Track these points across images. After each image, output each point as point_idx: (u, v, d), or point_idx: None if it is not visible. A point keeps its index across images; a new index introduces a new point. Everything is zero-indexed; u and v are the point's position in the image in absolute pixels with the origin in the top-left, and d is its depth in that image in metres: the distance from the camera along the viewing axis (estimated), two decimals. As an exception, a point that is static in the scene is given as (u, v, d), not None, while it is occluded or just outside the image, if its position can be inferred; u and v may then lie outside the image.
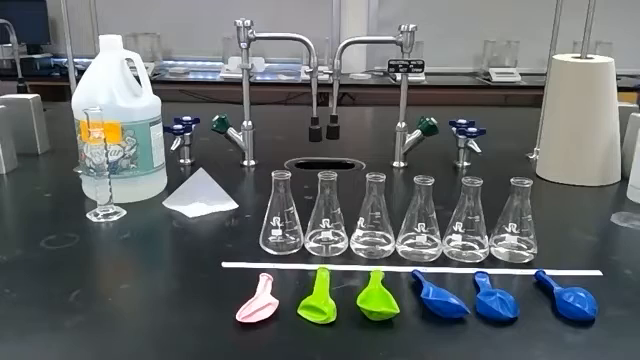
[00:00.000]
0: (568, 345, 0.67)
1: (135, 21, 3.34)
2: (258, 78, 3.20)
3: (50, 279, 0.80)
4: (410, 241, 0.86)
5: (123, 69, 1.06)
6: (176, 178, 1.15)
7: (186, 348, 0.65)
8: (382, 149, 1.38)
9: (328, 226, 0.87)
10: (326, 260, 0.86)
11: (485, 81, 3.32)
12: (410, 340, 0.68)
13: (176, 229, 0.98)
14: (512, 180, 0.85)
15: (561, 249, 0.93)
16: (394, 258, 0.86)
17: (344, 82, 2.83)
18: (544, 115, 1.31)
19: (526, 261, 0.86)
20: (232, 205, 1.06)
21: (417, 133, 1.30)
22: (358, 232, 0.88)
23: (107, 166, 0.99)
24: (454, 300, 0.71)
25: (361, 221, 0.87)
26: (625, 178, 1.18)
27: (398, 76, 1.32)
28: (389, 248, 0.87)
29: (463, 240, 0.86)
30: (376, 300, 0.71)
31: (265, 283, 0.76)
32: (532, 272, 0.81)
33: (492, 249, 0.87)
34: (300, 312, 0.71)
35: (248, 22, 1.22)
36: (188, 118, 1.32)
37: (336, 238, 0.88)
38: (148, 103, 1.07)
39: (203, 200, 1.05)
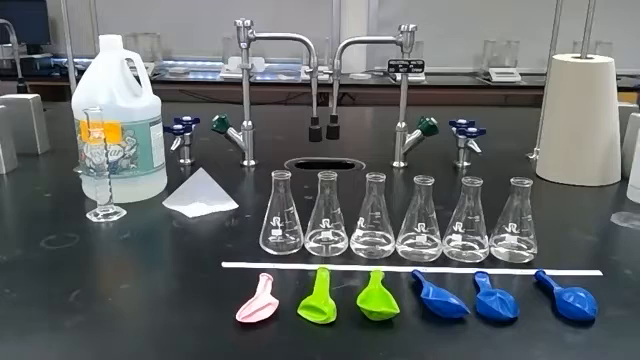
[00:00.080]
0: (568, 345, 0.67)
1: (135, 21, 3.34)
2: (258, 78, 3.20)
3: (50, 279, 0.80)
4: (410, 241, 0.86)
5: (123, 69, 1.06)
6: (176, 178, 1.15)
7: (186, 348, 0.65)
8: (382, 149, 1.38)
9: (328, 226, 0.87)
10: (326, 260, 0.86)
11: (485, 81, 3.32)
12: (410, 340, 0.68)
13: (176, 229, 0.98)
14: (512, 180, 0.85)
15: (561, 249, 0.93)
16: (394, 258, 0.86)
17: (344, 82, 2.83)
18: (544, 115, 1.31)
19: (526, 261, 0.86)
20: (232, 205, 1.06)
21: (417, 133, 1.30)
22: (358, 232, 0.88)
23: (107, 166, 0.99)
24: (454, 300, 0.71)
25: (361, 221, 0.87)
26: (625, 178, 1.18)
27: (398, 76, 1.32)
28: (389, 248, 0.87)
29: (463, 240, 0.86)
30: (376, 300, 0.71)
31: (265, 283, 0.76)
32: (532, 272, 0.81)
33: (492, 249, 0.87)
34: (300, 312, 0.71)
35: (248, 22, 1.22)
36: (188, 118, 1.32)
37: (336, 238, 0.88)
38: (148, 103, 1.07)
39: (203, 200, 1.05)
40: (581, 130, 1.20)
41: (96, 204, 1.01)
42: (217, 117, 1.28)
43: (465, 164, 1.33)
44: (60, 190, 1.17)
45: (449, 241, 0.87)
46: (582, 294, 0.72)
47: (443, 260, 0.86)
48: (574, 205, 1.15)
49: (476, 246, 0.86)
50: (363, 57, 3.54)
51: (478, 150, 1.29)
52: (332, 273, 0.80)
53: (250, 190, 1.25)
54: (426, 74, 3.07)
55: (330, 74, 1.24)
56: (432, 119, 1.28)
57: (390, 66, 1.26)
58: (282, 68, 3.41)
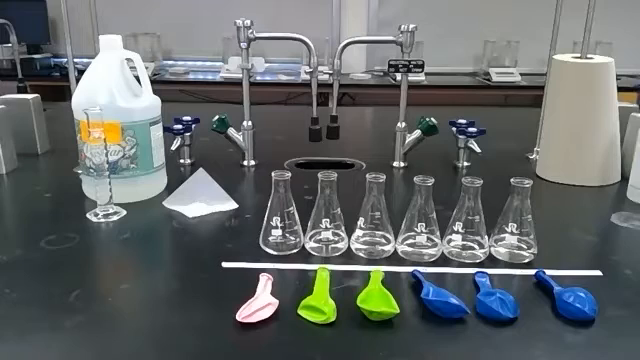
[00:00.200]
0: (568, 345, 0.67)
1: (135, 21, 3.34)
2: (258, 78, 3.20)
3: (50, 279, 0.80)
4: (410, 241, 0.86)
5: (123, 69, 1.06)
6: (176, 178, 1.15)
7: (186, 348, 0.65)
8: (382, 149, 1.38)
9: (328, 226, 0.87)
10: (326, 260, 0.86)
11: (485, 81, 3.32)
12: (410, 340, 0.68)
13: (176, 229, 0.98)
14: (512, 180, 0.85)
15: (561, 249, 0.93)
16: (394, 258, 0.86)
17: (344, 82, 2.83)
18: (544, 115, 1.31)
19: (526, 261, 0.86)
20: (232, 205, 1.06)
21: (417, 133, 1.30)
22: (358, 232, 0.88)
23: (107, 166, 0.99)
24: (454, 300, 0.71)
25: (361, 221, 0.87)
26: (625, 178, 1.18)
27: (398, 76, 1.32)
28: (389, 248, 0.87)
29: (463, 240, 0.86)
30: (376, 300, 0.71)
31: (265, 283, 0.76)
32: (532, 272, 0.81)
33: (492, 249, 0.87)
34: (300, 312, 0.71)
35: (248, 22, 1.22)
36: (188, 118, 1.32)
37: (336, 238, 0.88)
38: (148, 103, 1.07)
39: (203, 200, 1.05)
40: (581, 130, 1.20)
41: (96, 204, 1.01)
42: (217, 117, 1.28)
43: (465, 164, 1.33)
44: (60, 190, 1.17)
45: (449, 241, 0.87)
46: (582, 294, 0.72)
47: (443, 260, 0.86)
48: (574, 205, 1.15)
49: (476, 246, 0.86)
50: (363, 57, 3.54)
51: (478, 150, 1.29)
52: (332, 273, 0.80)
53: (250, 190, 1.25)
54: (426, 74, 3.07)
55: (330, 74, 1.24)
56: (432, 119, 1.28)
57: (390, 66, 1.26)
58: (282, 68, 3.41)
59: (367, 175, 0.85)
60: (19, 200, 1.14)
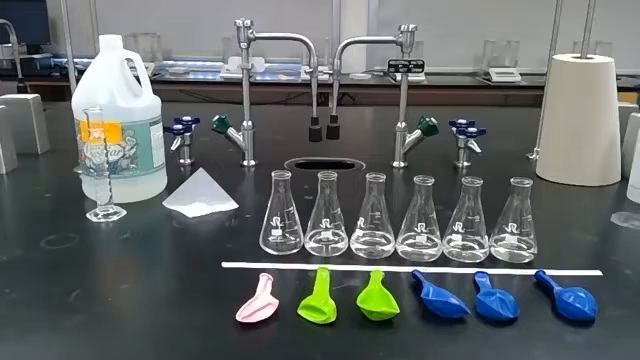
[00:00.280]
0: (568, 345, 0.67)
1: (135, 21, 3.34)
2: (258, 78, 3.20)
3: (50, 279, 0.80)
4: (410, 241, 0.86)
5: (123, 69, 1.06)
6: (176, 178, 1.15)
7: (186, 348, 0.65)
8: (382, 149, 1.38)
9: (328, 226, 0.87)
10: (326, 260, 0.86)
11: (485, 81, 3.32)
12: (410, 340, 0.68)
13: (176, 229, 0.98)
14: (512, 180, 0.85)
15: (561, 249, 0.93)
16: (394, 258, 0.86)
17: (344, 82, 2.83)
18: (544, 115, 1.31)
19: (526, 261, 0.86)
20: (232, 205, 1.06)
21: (417, 133, 1.30)
22: (358, 232, 0.88)
23: (107, 166, 0.99)
24: (454, 300, 0.71)
25: (361, 221, 0.87)
26: (625, 178, 1.18)
27: (398, 76, 1.32)
28: (389, 248, 0.87)
29: (463, 240, 0.86)
30: (376, 300, 0.71)
31: (265, 283, 0.76)
32: (532, 272, 0.81)
33: (492, 249, 0.87)
34: (300, 312, 0.71)
35: (248, 22, 1.22)
36: (188, 118, 1.32)
37: (336, 238, 0.88)
38: (148, 103, 1.07)
39: (203, 200, 1.05)
40: (581, 130, 1.20)
41: (96, 204, 1.01)
42: (217, 117, 1.28)
43: (465, 164, 1.33)
44: (60, 190, 1.17)
45: (449, 241, 0.87)
46: (582, 294, 0.72)
47: (443, 260, 0.86)
48: (574, 205, 1.15)
49: (476, 246, 0.86)
50: (363, 57, 3.54)
51: (478, 150, 1.29)
52: (332, 273, 0.80)
53: (250, 190, 1.25)
54: (426, 74, 3.07)
55: (330, 74, 1.24)
56: (432, 119, 1.28)
57: (390, 66, 1.26)
58: (282, 68, 3.41)
59: (367, 175, 0.85)
60: (19, 200, 1.14)
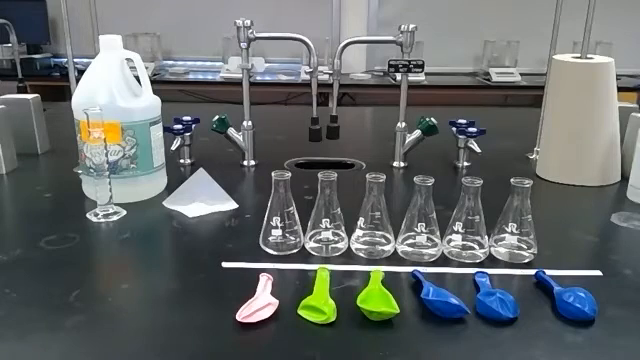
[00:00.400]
0: (568, 345, 0.67)
1: (135, 21, 3.34)
2: (258, 78, 3.20)
3: (50, 279, 0.80)
4: (410, 241, 0.86)
5: (123, 69, 1.06)
6: (176, 178, 1.15)
7: (186, 348, 0.65)
8: (382, 149, 1.38)
9: (328, 226, 0.87)
10: (326, 260, 0.86)
11: (485, 81, 3.32)
12: (410, 340, 0.68)
13: (176, 229, 0.98)
14: (512, 180, 0.85)
15: (561, 249, 0.93)
16: (394, 258, 0.86)
17: (344, 82, 2.82)
18: (544, 115, 1.31)
19: (526, 261, 0.86)
20: (232, 205, 1.06)
21: (417, 133, 1.30)
22: (358, 232, 0.88)
23: (107, 166, 0.99)
24: (454, 300, 0.71)
25: (361, 221, 0.87)
26: (625, 178, 1.18)
27: (398, 76, 1.32)
28: (389, 248, 0.87)
29: (463, 240, 0.86)
30: (376, 300, 0.71)
31: (265, 283, 0.76)
32: (532, 272, 0.81)
33: (492, 249, 0.87)
34: (300, 312, 0.71)
35: (248, 22, 1.22)
36: (188, 118, 1.32)
37: (336, 238, 0.88)
38: (148, 103, 1.07)
39: (203, 200, 1.05)
40: (581, 130, 1.20)
41: (96, 204, 1.01)
42: (217, 117, 1.28)
43: (465, 164, 1.33)
44: (60, 190, 1.17)
45: (449, 241, 0.87)
46: (582, 294, 0.72)
47: (443, 260, 0.86)
48: (574, 205, 1.15)
49: (476, 246, 0.86)
50: (363, 57, 3.54)
51: (478, 150, 1.29)
52: (332, 273, 0.80)
53: (250, 190, 1.25)
54: (426, 74, 3.07)
55: (330, 74, 1.24)
56: (432, 119, 1.28)
57: (390, 66, 1.26)
58: (282, 68, 3.41)
59: (367, 175, 0.85)
60: (19, 200, 1.14)
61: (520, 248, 0.86)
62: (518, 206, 0.85)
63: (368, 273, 0.79)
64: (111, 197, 1.01)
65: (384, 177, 0.85)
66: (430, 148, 1.33)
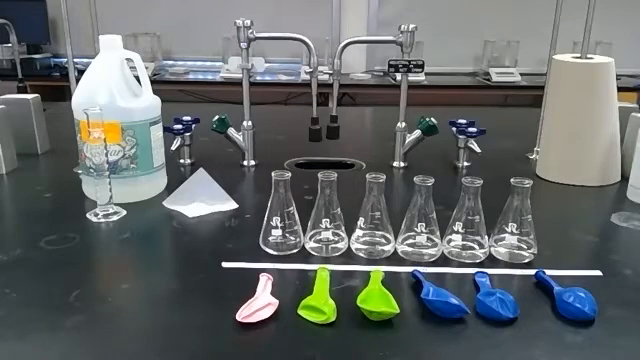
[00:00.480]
0: (568, 345, 0.67)
1: (135, 21, 3.34)
2: (258, 78, 3.20)
3: (50, 279, 0.80)
4: (410, 241, 0.86)
5: (123, 69, 1.06)
6: (176, 178, 1.15)
7: (186, 348, 0.65)
8: (382, 149, 1.38)
9: (328, 226, 0.87)
10: (326, 260, 0.86)
11: (485, 81, 3.32)
12: (410, 340, 0.68)
13: (176, 229, 0.98)
14: (512, 180, 0.85)
15: (561, 249, 0.93)
16: (394, 258, 0.86)
17: (344, 82, 2.82)
18: (544, 115, 1.31)
19: (526, 261, 0.86)
20: (232, 205, 1.06)
21: (417, 133, 1.30)
22: (358, 232, 0.88)
23: (107, 166, 0.99)
24: (454, 300, 0.71)
25: (361, 221, 0.87)
26: (625, 178, 1.18)
27: (398, 76, 1.32)
28: (389, 248, 0.87)
29: (463, 240, 0.86)
30: (376, 300, 0.71)
31: (265, 283, 0.76)
32: (532, 272, 0.81)
33: (492, 249, 0.87)
34: (300, 312, 0.71)
35: (248, 22, 1.22)
36: (188, 118, 1.32)
37: (336, 238, 0.88)
38: (148, 103, 1.07)
39: (203, 200, 1.05)
40: (581, 130, 1.20)
41: (96, 204, 1.01)
42: (217, 117, 1.28)
43: (465, 164, 1.33)
44: (60, 190, 1.17)
45: (449, 241, 0.87)
46: (582, 294, 0.72)
47: (443, 260, 0.86)
48: (574, 205, 1.15)
49: (476, 246, 0.86)
50: (363, 57, 3.54)
51: (478, 150, 1.29)
52: (332, 273, 0.80)
53: (250, 190, 1.25)
54: (426, 74, 3.07)
55: (330, 74, 1.24)
56: (432, 119, 1.28)
57: (390, 66, 1.26)
58: (282, 68, 3.41)
59: (367, 175, 0.85)
60: (19, 200, 1.14)
61: (520, 248, 0.86)
62: (518, 206, 0.85)
63: (368, 273, 0.79)
64: (111, 197, 1.01)
65: (384, 177, 0.85)
66: (430, 148, 1.33)
